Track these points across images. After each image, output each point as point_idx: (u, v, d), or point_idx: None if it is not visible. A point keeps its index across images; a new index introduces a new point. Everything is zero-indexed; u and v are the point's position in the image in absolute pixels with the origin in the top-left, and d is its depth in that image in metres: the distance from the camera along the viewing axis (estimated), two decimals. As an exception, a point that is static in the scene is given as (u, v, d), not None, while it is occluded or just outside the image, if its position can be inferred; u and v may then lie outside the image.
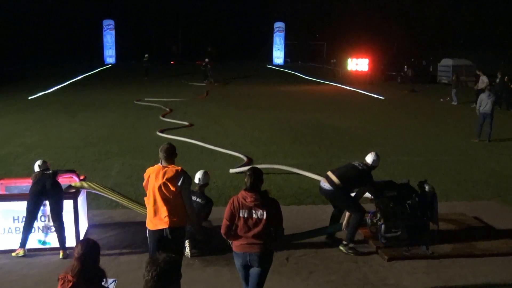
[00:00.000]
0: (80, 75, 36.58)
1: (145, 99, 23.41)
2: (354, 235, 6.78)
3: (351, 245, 6.72)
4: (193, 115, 18.43)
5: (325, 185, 6.79)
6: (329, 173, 6.88)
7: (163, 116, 17.88)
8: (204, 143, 13.19)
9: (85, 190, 7.18)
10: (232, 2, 63.85)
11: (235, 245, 4.73)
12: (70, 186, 6.87)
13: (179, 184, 5.02)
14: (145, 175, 5.20)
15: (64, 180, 6.98)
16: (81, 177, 7.23)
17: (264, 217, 4.62)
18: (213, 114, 19.04)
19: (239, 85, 31.97)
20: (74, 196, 6.73)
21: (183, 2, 63.29)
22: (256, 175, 4.71)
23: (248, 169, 4.84)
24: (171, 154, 5.18)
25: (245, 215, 4.64)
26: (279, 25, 55.50)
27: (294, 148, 13.16)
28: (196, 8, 64.03)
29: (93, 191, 7.16)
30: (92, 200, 8.36)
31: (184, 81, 33.19)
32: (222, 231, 4.74)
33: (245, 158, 11.59)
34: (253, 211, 4.63)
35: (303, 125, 16.73)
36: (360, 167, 6.84)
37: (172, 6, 63.21)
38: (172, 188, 5.02)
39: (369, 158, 6.91)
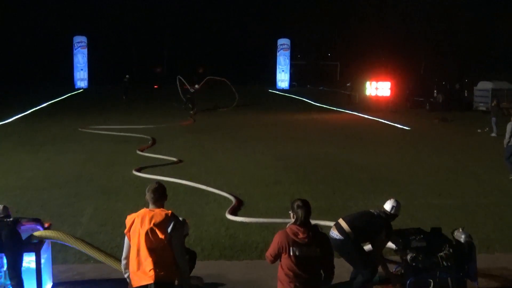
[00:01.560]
0: (45, 102, 36.87)
1: (89, 126, 24.11)
2: None
3: None
4: (180, 149, 18.51)
5: (334, 233, 6.83)
6: (340, 220, 6.98)
7: (142, 151, 17.96)
8: (194, 183, 13.21)
9: (49, 240, 7.17)
10: (227, 16, 64.71)
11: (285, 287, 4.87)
12: (31, 236, 6.86)
13: (168, 230, 5.06)
14: (128, 221, 5.23)
15: (25, 229, 6.97)
16: (46, 225, 7.22)
17: (318, 254, 4.83)
18: (204, 148, 19.13)
19: (236, 113, 32.20)
20: (36, 249, 6.72)
21: (170, 16, 64.03)
22: (307, 208, 4.95)
23: (296, 201, 5.05)
24: (160, 195, 5.26)
25: (297, 253, 4.83)
26: (283, 42, 55.89)
27: (301, 188, 13.16)
28: (185, 23, 64.68)
29: (59, 242, 7.15)
30: (58, 253, 8.33)
31: (176, 104, 33.60)
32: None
33: (234, 200, 11.58)
34: (306, 249, 4.83)
35: (313, 161, 16.79)
36: (376, 214, 6.96)
37: (157, 21, 63.87)
38: (161, 236, 5.05)
39: (388, 206, 7.01)
